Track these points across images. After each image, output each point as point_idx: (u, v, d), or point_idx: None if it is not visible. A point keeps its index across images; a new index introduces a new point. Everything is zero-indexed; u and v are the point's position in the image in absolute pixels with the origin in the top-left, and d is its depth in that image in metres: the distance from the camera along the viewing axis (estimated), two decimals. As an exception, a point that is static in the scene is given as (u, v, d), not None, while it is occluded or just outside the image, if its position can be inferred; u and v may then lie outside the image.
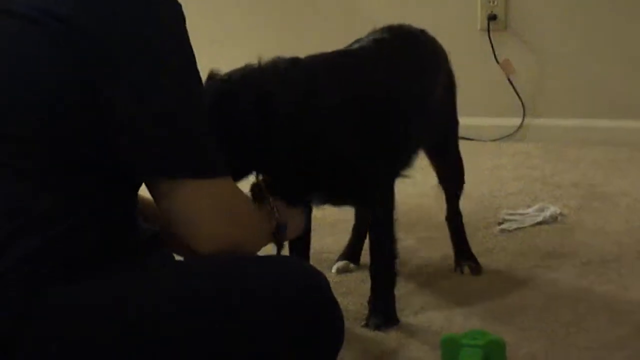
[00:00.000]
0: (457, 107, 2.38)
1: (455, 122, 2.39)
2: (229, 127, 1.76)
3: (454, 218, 2.40)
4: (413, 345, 1.94)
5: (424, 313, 2.10)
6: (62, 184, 1.41)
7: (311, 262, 2.01)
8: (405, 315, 2.08)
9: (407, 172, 2.19)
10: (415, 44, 2.27)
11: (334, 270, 2.36)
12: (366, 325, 2.04)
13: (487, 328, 1.94)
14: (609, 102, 3.65)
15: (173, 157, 1.43)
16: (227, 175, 1.50)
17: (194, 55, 1.45)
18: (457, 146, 2.41)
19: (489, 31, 3.69)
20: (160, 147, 1.42)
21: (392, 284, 2.08)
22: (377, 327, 2.03)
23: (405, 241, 2.52)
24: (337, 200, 2.10)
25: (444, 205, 2.41)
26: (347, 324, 1.97)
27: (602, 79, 3.66)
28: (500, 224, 2.69)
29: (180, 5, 1.46)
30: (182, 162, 1.44)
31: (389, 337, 1.99)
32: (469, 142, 3.40)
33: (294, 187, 1.93)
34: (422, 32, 2.29)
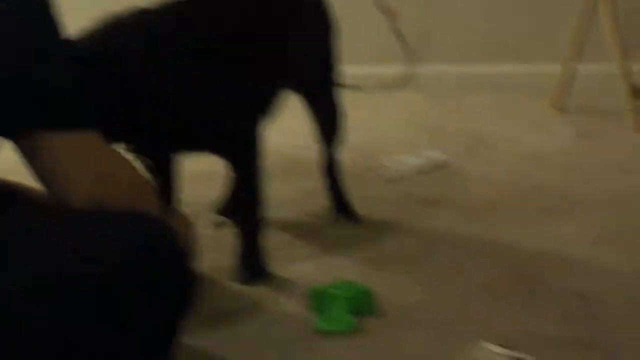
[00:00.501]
0: (338, 53, 2.29)
1: (330, 66, 2.30)
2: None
3: (331, 167, 2.33)
4: (282, 297, 1.89)
5: (295, 264, 2.05)
6: None
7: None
8: (276, 267, 2.01)
9: (273, 116, 2.10)
10: None
11: (203, 224, 2.28)
12: (234, 280, 1.96)
13: (361, 278, 1.91)
14: (494, 47, 3.63)
15: (28, 108, 1.34)
16: (93, 130, 1.40)
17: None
18: (333, 92, 2.32)
19: (373, -24, 3.62)
20: (13, 99, 1.33)
21: (260, 236, 2.01)
22: (245, 281, 1.96)
23: (283, 191, 2.47)
24: (198, 150, 2.00)
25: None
26: (216, 280, 1.94)
27: (487, 24, 3.63)
28: (382, 171, 2.64)
29: None
30: (38, 113, 1.34)
31: (257, 291, 1.92)
32: (351, 90, 3.34)
33: (155, 142, 1.87)
34: None
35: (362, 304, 1.77)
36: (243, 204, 2.04)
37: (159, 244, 1.36)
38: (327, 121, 2.32)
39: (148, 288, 1.35)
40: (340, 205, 2.32)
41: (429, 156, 2.72)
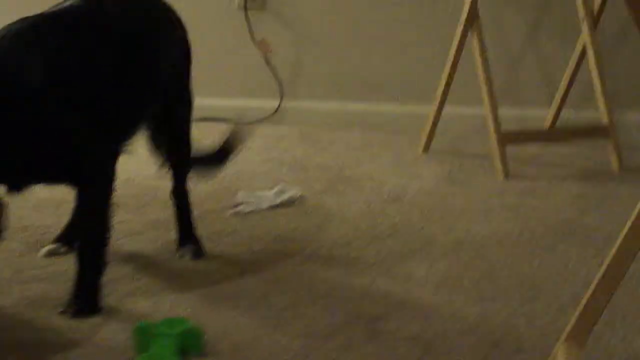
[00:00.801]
0: (192, 83, 2.23)
1: (187, 97, 2.24)
2: None
3: (179, 197, 2.24)
4: (109, 332, 1.78)
5: (130, 298, 1.95)
6: None
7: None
8: (111, 300, 1.92)
9: (129, 147, 2.02)
10: (141, 6, 2.10)
11: (41, 253, 2.17)
12: (63, 312, 1.85)
13: (197, 315, 1.83)
14: (365, 86, 3.60)
15: None
16: None
17: None
18: (188, 121, 2.25)
19: (245, 9, 3.56)
20: None
21: (98, 269, 1.92)
22: (75, 315, 1.86)
23: (131, 223, 2.37)
24: (49, 180, 1.92)
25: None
26: (45, 312, 1.82)
27: (359, 62, 3.61)
28: (235, 206, 2.55)
29: None
30: None
31: (85, 324, 1.81)
32: (219, 122, 3.27)
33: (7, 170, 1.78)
34: None
35: (190, 343, 1.68)
36: (85, 234, 1.94)
37: None
38: (179, 150, 2.23)
39: None
40: (187, 237, 2.23)
41: (286, 191, 2.64)
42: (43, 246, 2.20)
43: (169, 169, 2.23)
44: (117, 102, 1.96)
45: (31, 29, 1.86)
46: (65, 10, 1.96)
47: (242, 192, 2.64)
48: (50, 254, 2.17)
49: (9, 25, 1.85)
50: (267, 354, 1.71)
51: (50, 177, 1.91)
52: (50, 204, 2.42)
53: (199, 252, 2.20)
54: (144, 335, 1.68)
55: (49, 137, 1.81)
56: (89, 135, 1.87)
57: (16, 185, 1.86)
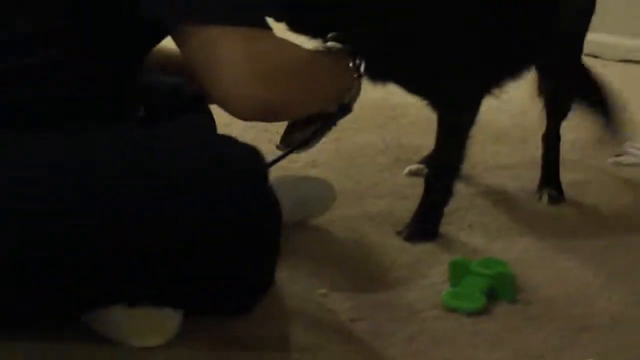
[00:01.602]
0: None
1: (580, 46, 2.17)
2: None
3: (550, 141, 2.20)
4: (433, 260, 1.79)
5: (469, 231, 1.95)
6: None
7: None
8: (450, 230, 1.94)
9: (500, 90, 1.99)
10: None
11: (405, 171, 2.23)
12: (399, 232, 1.90)
13: (526, 261, 1.80)
14: None
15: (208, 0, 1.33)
16: (265, 27, 1.38)
17: None
18: (575, 69, 2.19)
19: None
20: None
21: (443, 196, 1.93)
22: (409, 237, 1.89)
23: (504, 158, 2.37)
24: (416, 88, 1.89)
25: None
26: (382, 229, 1.89)
27: None
28: (617, 155, 2.44)
29: None
30: (218, 6, 1.33)
31: (415, 248, 1.85)
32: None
33: (378, 60, 1.74)
34: None
35: (501, 286, 1.66)
36: (439, 160, 1.96)
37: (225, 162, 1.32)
38: (559, 93, 2.18)
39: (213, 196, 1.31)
40: (549, 180, 2.18)
41: None
42: (409, 164, 2.23)
43: (547, 111, 2.18)
44: (511, 40, 1.91)
45: None
46: None
47: (629, 142, 2.50)
48: (412, 173, 2.21)
49: None
50: (580, 313, 1.63)
51: (422, 87, 1.88)
52: (426, 124, 2.44)
53: (557, 197, 2.14)
54: (459, 270, 1.68)
55: (442, 45, 1.79)
56: (473, 63, 1.85)
57: (378, 77, 1.83)
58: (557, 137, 2.19)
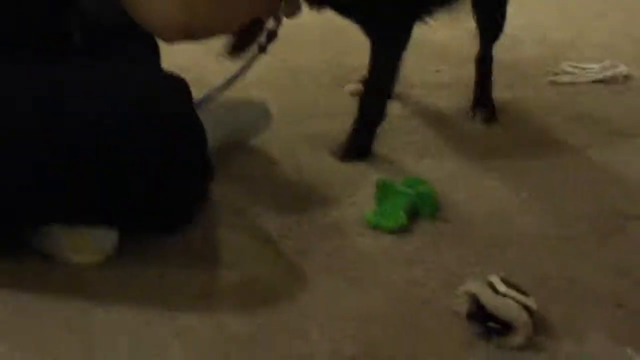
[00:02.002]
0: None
1: None
2: None
3: (482, 62, 2.28)
4: (361, 178, 1.89)
5: (402, 152, 2.03)
6: None
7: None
8: (382, 150, 2.02)
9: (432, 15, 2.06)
10: None
11: (345, 89, 2.30)
12: (332, 152, 1.99)
13: (449, 179, 1.89)
14: None
15: None
16: None
17: None
18: None
19: None
20: None
21: (376, 117, 2.02)
22: (343, 157, 1.98)
23: (442, 77, 2.43)
24: (348, 13, 1.97)
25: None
26: (316, 149, 1.98)
27: None
28: (555, 74, 2.52)
29: None
30: None
31: (349, 168, 1.94)
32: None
33: None
34: None
35: (424, 204, 1.75)
36: (371, 83, 2.03)
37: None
38: (490, 14, 2.25)
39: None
40: (482, 100, 2.26)
41: (614, 67, 2.55)
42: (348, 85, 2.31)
43: (479, 33, 2.25)
44: None
45: None
46: None
47: (566, 62, 2.59)
48: (353, 94, 2.28)
49: None
50: (495, 231, 1.72)
51: (351, 11, 1.95)
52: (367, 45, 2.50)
53: (490, 117, 2.23)
54: (384, 189, 1.77)
55: None
56: None
57: (316, 2, 1.89)
58: (489, 59, 2.26)
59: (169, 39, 1.50)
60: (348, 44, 2.52)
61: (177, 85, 1.48)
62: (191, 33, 1.45)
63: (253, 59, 1.77)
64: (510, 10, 2.24)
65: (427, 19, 2.02)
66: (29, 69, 1.44)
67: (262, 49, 1.76)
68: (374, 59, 1.98)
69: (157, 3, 1.40)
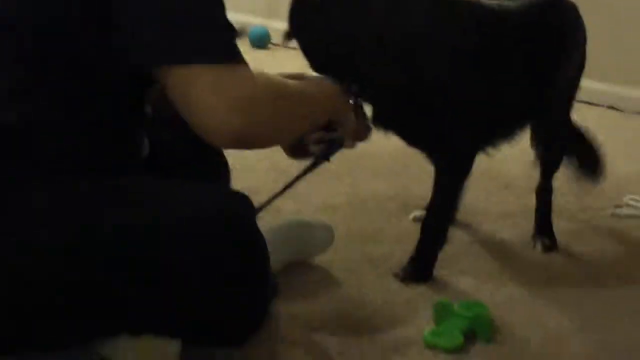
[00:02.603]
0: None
1: (571, 98, 2.32)
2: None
3: (541, 193, 2.34)
4: (421, 299, 1.96)
5: (460, 276, 2.09)
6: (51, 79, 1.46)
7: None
8: (443, 274, 2.08)
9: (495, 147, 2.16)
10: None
11: (410, 217, 2.38)
12: (396, 274, 2.05)
13: (508, 305, 1.94)
14: None
15: (178, 40, 1.41)
16: (244, 63, 1.46)
17: None
18: (566, 124, 2.34)
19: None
20: (164, 29, 1.40)
21: (437, 242, 2.08)
22: (404, 278, 2.05)
23: (503, 205, 2.50)
24: (414, 141, 2.06)
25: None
26: (379, 271, 2.05)
27: None
28: (618, 207, 2.57)
29: None
30: (188, 46, 1.41)
31: (409, 290, 2.00)
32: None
33: (383, 108, 1.93)
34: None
35: (479, 328, 1.80)
36: (434, 209, 2.10)
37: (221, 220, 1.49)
38: (550, 147, 2.34)
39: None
40: (542, 229, 2.32)
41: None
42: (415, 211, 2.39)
43: (539, 165, 2.33)
44: (510, 102, 2.08)
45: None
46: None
47: (630, 195, 2.63)
48: (417, 219, 2.35)
49: None
50: (550, 354, 1.77)
51: (417, 139, 2.05)
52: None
53: (550, 246, 2.28)
54: (442, 311, 1.83)
55: (442, 103, 1.95)
56: (471, 121, 2.01)
57: (382, 125, 1.96)
58: (549, 190, 2.33)
59: (223, 144, 1.57)
60: (417, 172, 2.61)
61: (240, 202, 1.54)
62: (243, 138, 1.46)
63: (314, 165, 1.84)
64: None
65: (490, 149, 2.10)
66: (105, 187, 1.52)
67: (325, 157, 1.82)
68: (437, 185, 2.07)
69: (207, 111, 1.41)
